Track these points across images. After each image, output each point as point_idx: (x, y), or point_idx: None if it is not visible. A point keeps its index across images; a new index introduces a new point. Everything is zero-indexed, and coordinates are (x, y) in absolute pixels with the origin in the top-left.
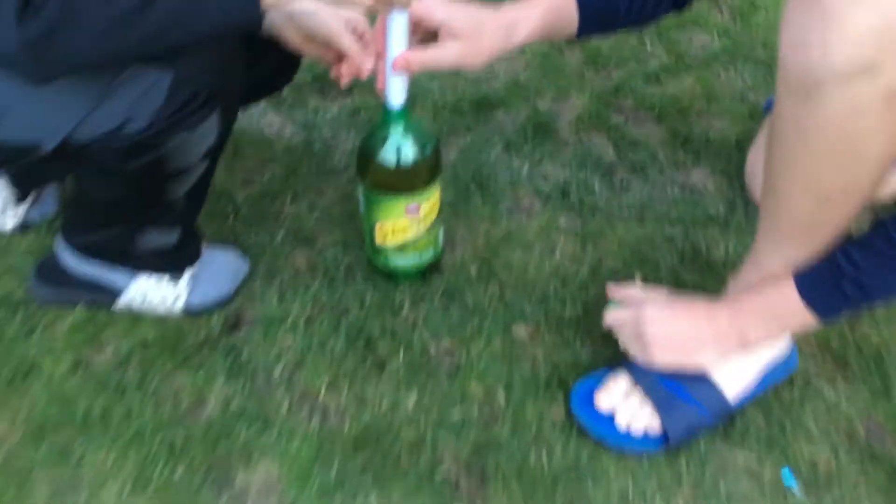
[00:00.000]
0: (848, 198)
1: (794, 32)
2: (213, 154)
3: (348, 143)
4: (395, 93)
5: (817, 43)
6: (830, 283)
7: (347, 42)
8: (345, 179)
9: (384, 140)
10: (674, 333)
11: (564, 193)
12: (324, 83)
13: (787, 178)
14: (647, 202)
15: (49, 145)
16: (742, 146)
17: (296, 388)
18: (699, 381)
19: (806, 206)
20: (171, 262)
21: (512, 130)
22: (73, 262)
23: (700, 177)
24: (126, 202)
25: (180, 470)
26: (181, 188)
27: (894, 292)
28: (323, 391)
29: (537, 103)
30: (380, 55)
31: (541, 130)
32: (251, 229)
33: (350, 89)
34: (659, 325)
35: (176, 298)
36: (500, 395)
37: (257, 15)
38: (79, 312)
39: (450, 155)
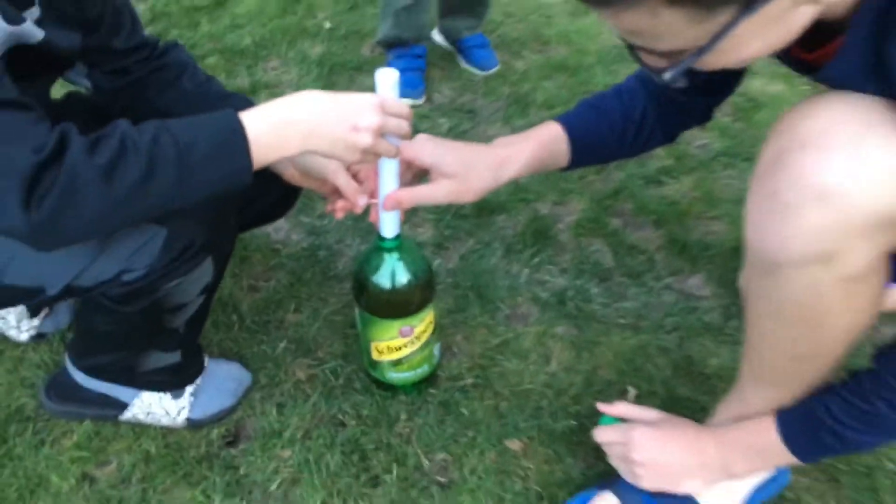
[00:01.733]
0: (819, 359)
1: (756, 218)
2: (210, 289)
3: (352, 249)
4: (388, 226)
5: (776, 233)
6: (810, 430)
7: (343, 181)
8: (348, 287)
9: (377, 267)
10: (661, 459)
11: (561, 301)
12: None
13: (762, 337)
14: (642, 310)
15: (52, 291)
16: (739, 251)
17: None
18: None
19: (781, 362)
20: (174, 381)
21: (512, 235)
22: (81, 379)
23: (697, 283)
24: (127, 334)
25: None
26: (181, 319)
27: (873, 446)
28: None
29: (538, 207)
30: (373, 193)
31: (540, 236)
32: (254, 338)
33: None
34: (647, 450)
35: (179, 412)
36: None
37: (248, 179)
38: (86, 426)
39: (450, 262)
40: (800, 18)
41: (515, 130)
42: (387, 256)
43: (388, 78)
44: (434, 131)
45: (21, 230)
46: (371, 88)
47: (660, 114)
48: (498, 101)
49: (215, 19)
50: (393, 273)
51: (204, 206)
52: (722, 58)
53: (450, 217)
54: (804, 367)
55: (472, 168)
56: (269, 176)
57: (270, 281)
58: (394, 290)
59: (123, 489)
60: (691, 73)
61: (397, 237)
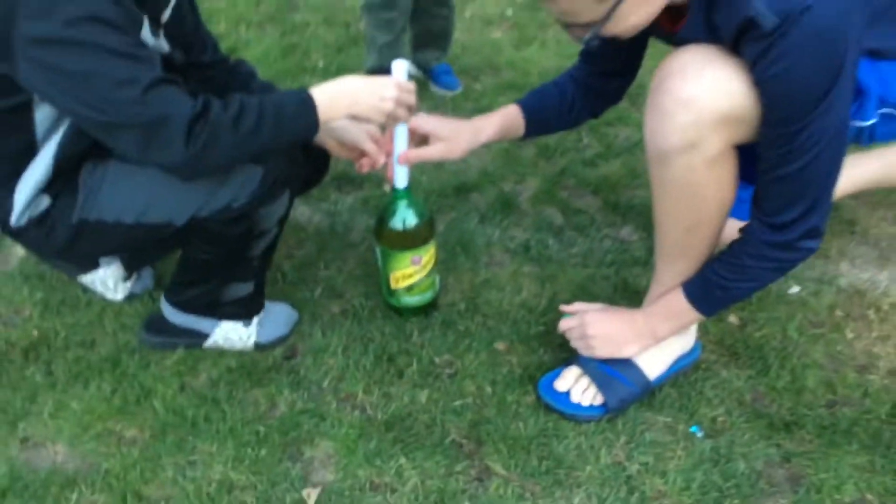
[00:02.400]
0: (703, 228)
1: (649, 124)
2: (283, 221)
3: (362, 223)
4: (400, 178)
5: (660, 131)
6: (706, 290)
7: (369, 146)
8: (362, 250)
9: (394, 212)
10: (607, 333)
11: (526, 249)
12: (341, 181)
13: (662, 218)
14: (588, 252)
15: (179, 222)
16: None
17: (340, 393)
18: (628, 366)
19: (677, 236)
20: (246, 311)
21: (484, 207)
22: (173, 316)
23: (627, 231)
24: (220, 263)
25: (265, 450)
26: (260, 247)
27: (749, 293)
28: (360, 393)
29: (502, 186)
30: (389, 154)
31: (506, 206)
32: (296, 289)
33: (361, 184)
34: (596, 327)
35: (248, 337)
36: (488, 389)
37: (317, 131)
38: (179, 352)
39: (439, 227)
40: (658, 1)
41: None
42: (400, 203)
43: (400, 67)
44: None
45: (180, 163)
46: None
47: (585, 96)
48: (463, 115)
49: None
50: (405, 215)
51: (286, 152)
52: (617, 26)
53: (436, 196)
54: (694, 236)
55: (458, 133)
56: (309, 149)
57: (302, 249)
58: (406, 228)
59: (214, 391)
60: (603, 60)
61: (407, 189)
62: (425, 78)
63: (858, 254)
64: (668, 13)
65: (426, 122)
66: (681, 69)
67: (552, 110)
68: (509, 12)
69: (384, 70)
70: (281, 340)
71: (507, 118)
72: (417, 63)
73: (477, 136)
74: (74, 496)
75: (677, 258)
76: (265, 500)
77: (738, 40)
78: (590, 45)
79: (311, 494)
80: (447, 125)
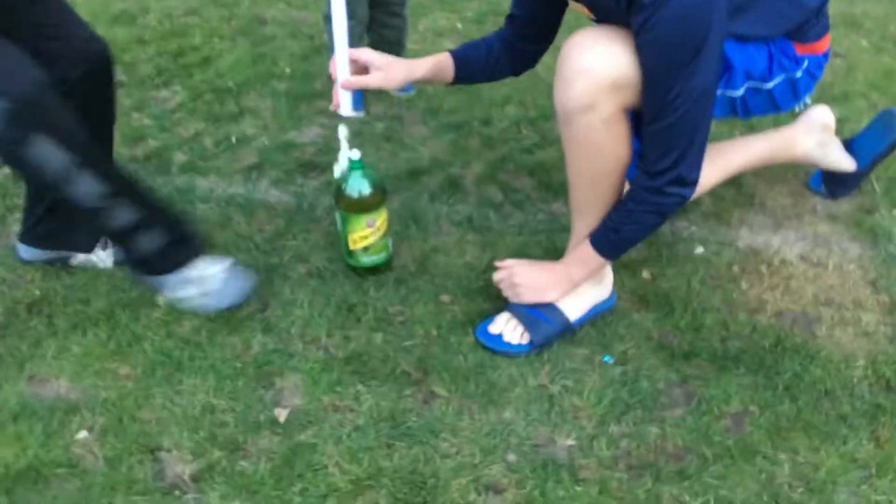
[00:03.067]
0: (605, 181)
1: (556, 92)
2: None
3: (325, 202)
4: (344, 105)
5: (564, 95)
6: (605, 236)
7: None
8: (325, 224)
9: (351, 180)
10: (532, 281)
11: (470, 221)
12: (306, 168)
13: (572, 175)
14: (523, 223)
15: None
16: None
17: (307, 336)
18: (551, 309)
19: (584, 189)
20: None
21: (434, 188)
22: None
23: (558, 206)
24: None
25: (241, 381)
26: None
27: (637, 235)
28: (323, 336)
29: (450, 170)
30: (334, 80)
31: (453, 186)
32: (268, 256)
33: (324, 170)
34: (522, 277)
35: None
36: (434, 332)
37: None
38: (165, 305)
39: (395, 205)
40: None
41: (431, 130)
42: (356, 173)
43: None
44: (373, 133)
45: None
46: (324, 109)
47: (508, 55)
48: (416, 112)
49: (205, 71)
50: (361, 183)
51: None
52: None
53: (391, 179)
54: (598, 189)
55: (393, 66)
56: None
57: (272, 224)
58: (361, 194)
59: (197, 336)
60: (526, 25)
61: (361, 160)
62: None
63: (756, 221)
64: None
65: (366, 53)
66: (578, 44)
67: (479, 62)
68: (459, 26)
69: None
70: (244, 298)
71: (438, 63)
72: None
73: (411, 71)
74: (77, 419)
75: (586, 211)
76: (243, 419)
77: (629, 10)
78: None
79: (282, 414)
80: (385, 58)
